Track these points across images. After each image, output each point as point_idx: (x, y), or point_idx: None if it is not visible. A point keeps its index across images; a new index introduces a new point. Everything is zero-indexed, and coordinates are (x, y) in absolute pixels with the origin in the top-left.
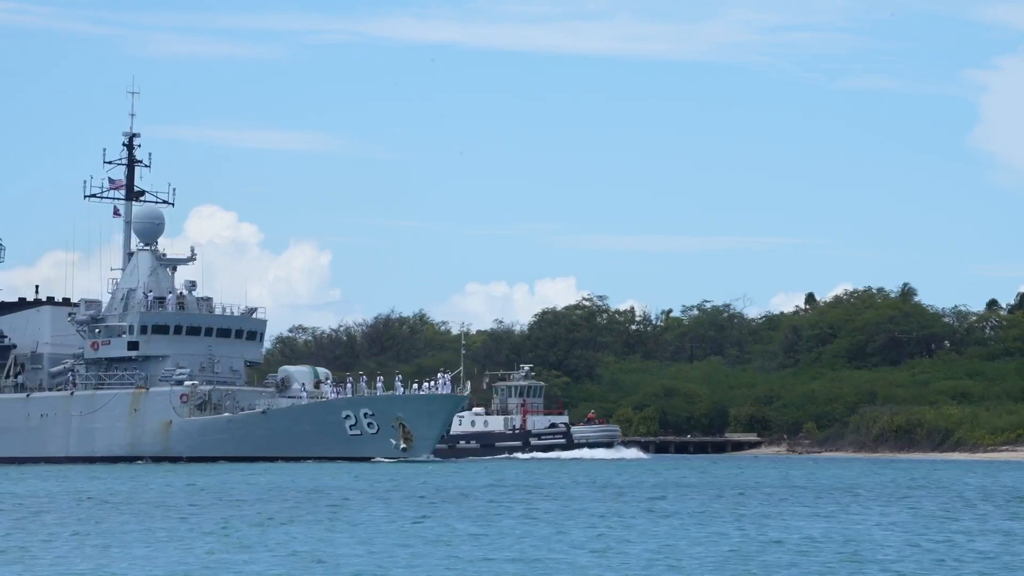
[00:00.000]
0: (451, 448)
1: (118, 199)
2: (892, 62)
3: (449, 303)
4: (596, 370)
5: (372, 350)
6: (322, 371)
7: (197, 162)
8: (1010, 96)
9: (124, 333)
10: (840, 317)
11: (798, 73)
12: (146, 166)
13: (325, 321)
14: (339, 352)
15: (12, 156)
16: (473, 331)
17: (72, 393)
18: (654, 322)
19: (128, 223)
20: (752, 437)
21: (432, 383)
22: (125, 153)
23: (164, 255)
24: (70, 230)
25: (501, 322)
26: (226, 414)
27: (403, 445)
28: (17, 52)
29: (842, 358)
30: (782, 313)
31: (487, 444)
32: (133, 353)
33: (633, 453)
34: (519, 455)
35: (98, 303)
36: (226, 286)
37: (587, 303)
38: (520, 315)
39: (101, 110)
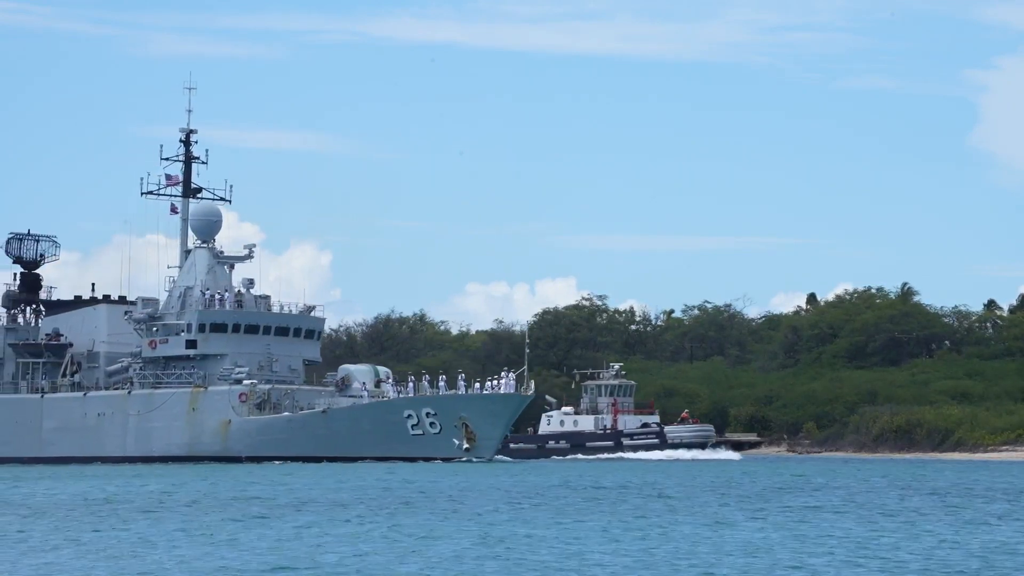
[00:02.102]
0: (540, 448)
1: (175, 196)
2: (892, 62)
3: (449, 303)
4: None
5: (372, 350)
6: (382, 370)
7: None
8: (1010, 96)
9: (182, 331)
10: (840, 317)
11: (798, 73)
12: (203, 162)
13: (325, 321)
14: (339, 352)
15: (12, 157)
16: (473, 331)
17: (129, 392)
18: (654, 322)
19: (185, 220)
20: (752, 437)
21: (495, 382)
22: (182, 149)
23: (221, 252)
24: (66, 230)
25: (501, 322)
26: (286, 413)
27: (466, 445)
28: (14, 53)
29: (842, 358)
30: (782, 313)
31: (577, 444)
32: (191, 352)
33: (728, 454)
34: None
35: (155, 301)
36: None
37: (587, 303)
38: (520, 315)
39: (104, 110)
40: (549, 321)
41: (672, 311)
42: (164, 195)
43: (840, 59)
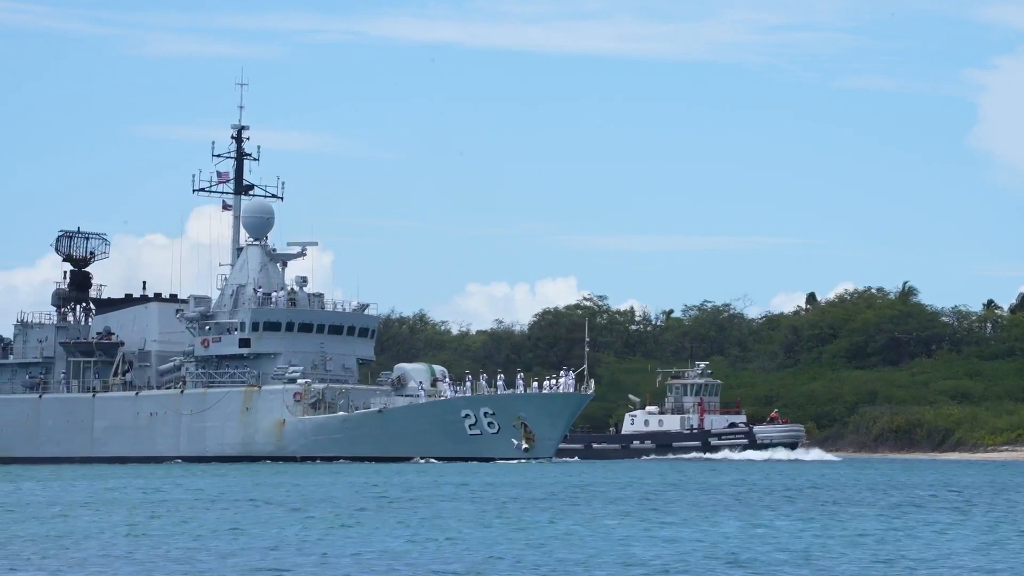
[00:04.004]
0: (624, 448)
1: (227, 193)
2: (892, 62)
3: (449, 303)
4: (596, 370)
5: None
6: (438, 368)
7: (199, 162)
8: (1009, 96)
9: (235, 330)
10: (840, 317)
11: (797, 73)
12: (255, 159)
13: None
14: None
15: (11, 158)
16: (473, 331)
17: (182, 392)
18: (654, 322)
19: (237, 217)
20: None
21: (554, 381)
22: (234, 146)
23: (274, 250)
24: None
25: (501, 322)
26: (341, 413)
27: (525, 445)
28: (13, 53)
29: (842, 358)
30: (782, 313)
31: (663, 444)
32: (245, 351)
33: (819, 454)
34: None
35: (207, 299)
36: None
37: (587, 303)
38: (520, 315)
39: (102, 109)
40: (549, 321)
41: (672, 311)
42: (216, 192)
43: (840, 59)
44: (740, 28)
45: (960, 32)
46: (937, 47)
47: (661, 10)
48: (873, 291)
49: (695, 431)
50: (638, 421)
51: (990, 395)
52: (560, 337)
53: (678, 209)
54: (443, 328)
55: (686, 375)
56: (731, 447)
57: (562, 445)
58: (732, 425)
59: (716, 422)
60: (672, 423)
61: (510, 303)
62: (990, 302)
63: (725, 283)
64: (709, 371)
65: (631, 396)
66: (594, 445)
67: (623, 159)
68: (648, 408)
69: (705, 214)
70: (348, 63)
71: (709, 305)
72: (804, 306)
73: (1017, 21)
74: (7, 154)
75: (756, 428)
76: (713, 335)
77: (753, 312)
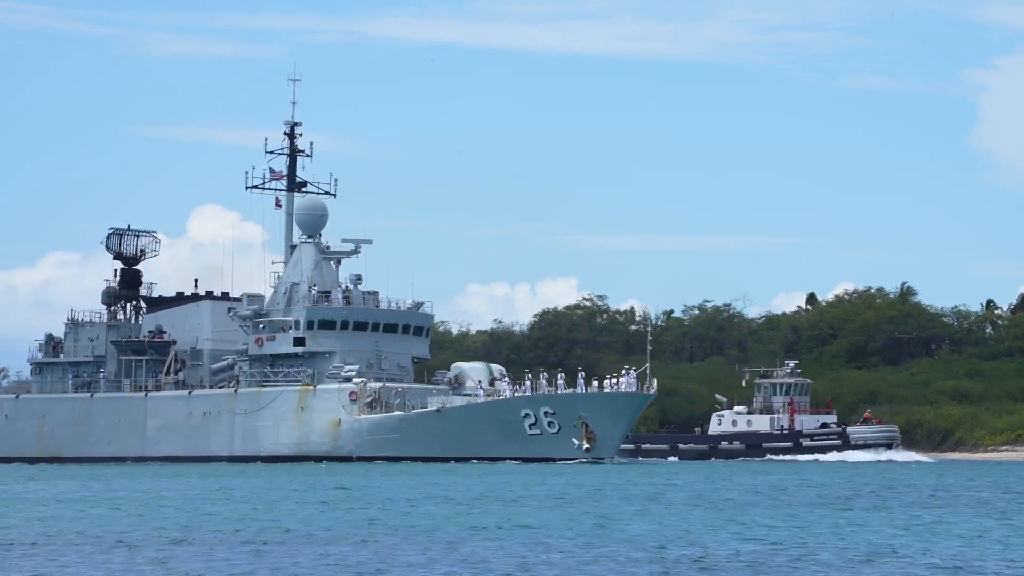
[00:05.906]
0: (711, 449)
1: (280, 190)
2: (892, 62)
3: (449, 303)
4: (596, 370)
5: None
6: (496, 368)
7: (199, 162)
8: (1009, 96)
9: (290, 328)
10: (840, 317)
11: (798, 73)
12: (308, 156)
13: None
14: None
15: (9, 156)
16: (473, 331)
17: (236, 391)
18: (654, 322)
19: (289, 215)
20: None
21: (616, 380)
22: (287, 143)
23: (328, 248)
24: (67, 230)
25: (501, 322)
26: (397, 413)
27: (586, 445)
28: (15, 54)
29: (842, 358)
30: (783, 313)
31: (753, 445)
32: (299, 349)
33: (915, 455)
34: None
35: (260, 297)
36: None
37: (587, 303)
38: (521, 315)
39: (101, 109)
40: (549, 321)
41: (672, 311)
42: (269, 189)
43: (840, 59)
44: (740, 28)
45: (960, 32)
46: (937, 47)
47: (661, 10)
48: (873, 291)
49: (786, 431)
50: (726, 421)
51: (990, 395)
52: (560, 337)
53: (678, 209)
54: (443, 328)
55: (775, 374)
56: (824, 448)
57: (646, 445)
58: (824, 425)
59: (807, 422)
60: (761, 423)
61: (510, 303)
62: (990, 302)
63: (725, 283)
64: (799, 370)
65: (717, 396)
66: (680, 446)
67: (623, 159)
68: (736, 408)
69: (705, 214)
70: (347, 63)
71: (709, 305)
72: (804, 306)
73: (1017, 21)
74: (6, 154)
75: (850, 428)
76: (713, 335)
77: (753, 312)
